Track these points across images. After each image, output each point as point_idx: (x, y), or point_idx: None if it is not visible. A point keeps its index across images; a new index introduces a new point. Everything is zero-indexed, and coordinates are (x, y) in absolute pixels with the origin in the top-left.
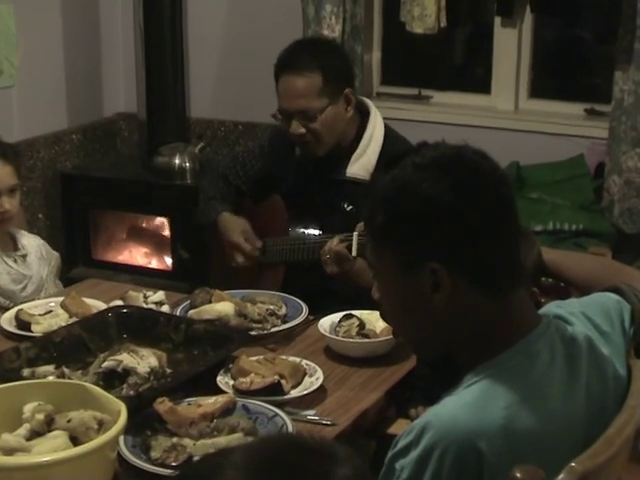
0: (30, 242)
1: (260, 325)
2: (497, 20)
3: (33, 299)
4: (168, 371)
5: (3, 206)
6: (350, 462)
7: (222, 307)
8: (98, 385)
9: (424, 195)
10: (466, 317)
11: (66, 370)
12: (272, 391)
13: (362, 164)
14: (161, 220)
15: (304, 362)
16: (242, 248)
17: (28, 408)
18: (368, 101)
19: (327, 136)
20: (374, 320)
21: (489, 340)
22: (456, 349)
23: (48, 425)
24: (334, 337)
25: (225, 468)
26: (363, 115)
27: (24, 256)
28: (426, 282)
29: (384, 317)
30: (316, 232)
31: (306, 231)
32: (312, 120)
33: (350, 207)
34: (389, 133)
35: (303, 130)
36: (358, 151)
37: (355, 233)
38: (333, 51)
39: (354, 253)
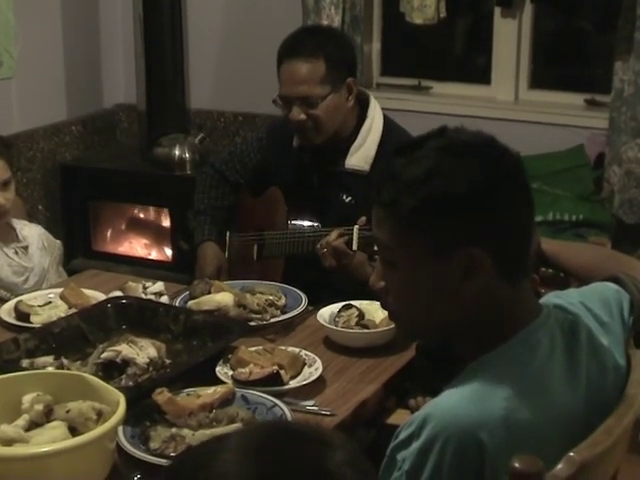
0: (31, 232)
1: (259, 316)
2: (497, 10)
3: (36, 291)
4: (167, 362)
5: None
6: (346, 448)
7: (221, 298)
8: (97, 376)
9: (458, 180)
10: (482, 304)
11: (65, 361)
12: (271, 381)
13: (361, 155)
14: (161, 211)
15: (303, 352)
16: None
17: (27, 399)
18: (368, 92)
19: (327, 124)
20: (373, 310)
21: (493, 329)
22: (458, 338)
23: (47, 416)
24: (333, 327)
25: (222, 452)
26: (363, 106)
27: (25, 248)
28: (458, 268)
29: (385, 305)
30: (315, 224)
31: (305, 223)
32: (313, 107)
33: (349, 198)
34: (388, 124)
35: (303, 116)
36: (357, 142)
37: (356, 227)
38: (338, 39)
39: (354, 247)
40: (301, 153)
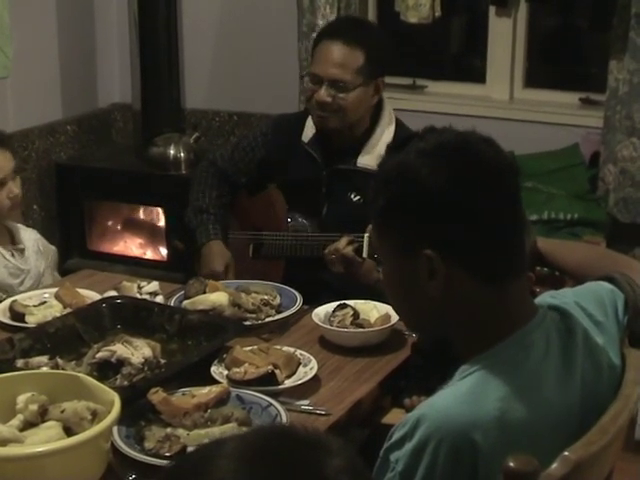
0: (28, 236)
1: (254, 315)
2: (492, 9)
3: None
4: (162, 361)
5: (13, 191)
6: (343, 453)
7: (216, 297)
8: (92, 376)
9: (422, 181)
10: (462, 306)
11: (60, 361)
12: (266, 381)
13: (373, 155)
14: (156, 211)
15: (298, 352)
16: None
17: (22, 399)
18: (383, 95)
19: (350, 113)
20: (368, 310)
21: (485, 330)
22: (452, 337)
23: (42, 416)
24: (328, 327)
25: (218, 458)
26: (377, 107)
27: (22, 250)
28: (422, 268)
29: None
30: (315, 221)
31: (305, 221)
32: (342, 91)
33: (357, 197)
34: (400, 127)
35: (330, 99)
36: (371, 141)
37: (366, 235)
38: (381, 37)
39: (365, 254)
40: (312, 148)
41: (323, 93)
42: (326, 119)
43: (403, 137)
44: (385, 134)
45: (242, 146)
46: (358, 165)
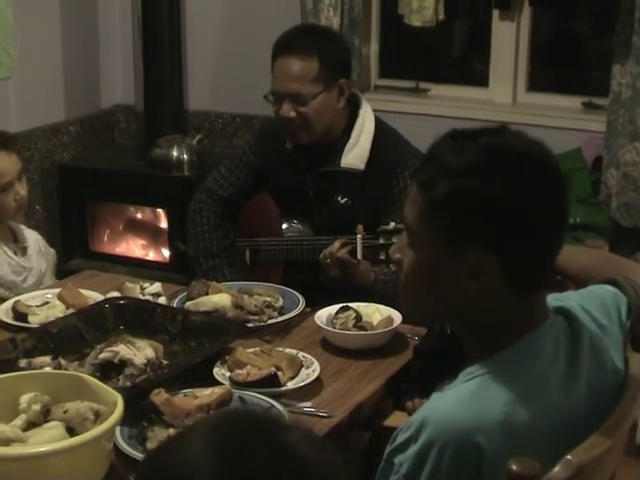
0: (29, 236)
1: (257, 317)
2: (495, 13)
3: (33, 291)
4: (164, 362)
5: (19, 193)
6: (297, 427)
7: (219, 299)
8: (94, 376)
9: (497, 184)
10: (487, 310)
11: (63, 361)
12: (268, 383)
13: (356, 154)
14: (158, 212)
15: (301, 354)
16: None
17: (24, 399)
18: (359, 93)
19: (316, 123)
20: (371, 312)
21: (500, 334)
22: (465, 336)
23: (44, 416)
24: (331, 329)
25: (190, 439)
26: (354, 107)
27: (25, 248)
28: (466, 266)
29: (398, 279)
30: (309, 226)
31: (299, 225)
32: (303, 104)
33: (344, 200)
34: (380, 125)
35: (293, 114)
36: (351, 141)
37: (359, 236)
38: (333, 40)
39: (359, 256)
40: (295, 154)
41: (285, 109)
42: (296, 134)
43: (400, 140)
44: (364, 133)
45: (234, 164)
46: (342, 165)
